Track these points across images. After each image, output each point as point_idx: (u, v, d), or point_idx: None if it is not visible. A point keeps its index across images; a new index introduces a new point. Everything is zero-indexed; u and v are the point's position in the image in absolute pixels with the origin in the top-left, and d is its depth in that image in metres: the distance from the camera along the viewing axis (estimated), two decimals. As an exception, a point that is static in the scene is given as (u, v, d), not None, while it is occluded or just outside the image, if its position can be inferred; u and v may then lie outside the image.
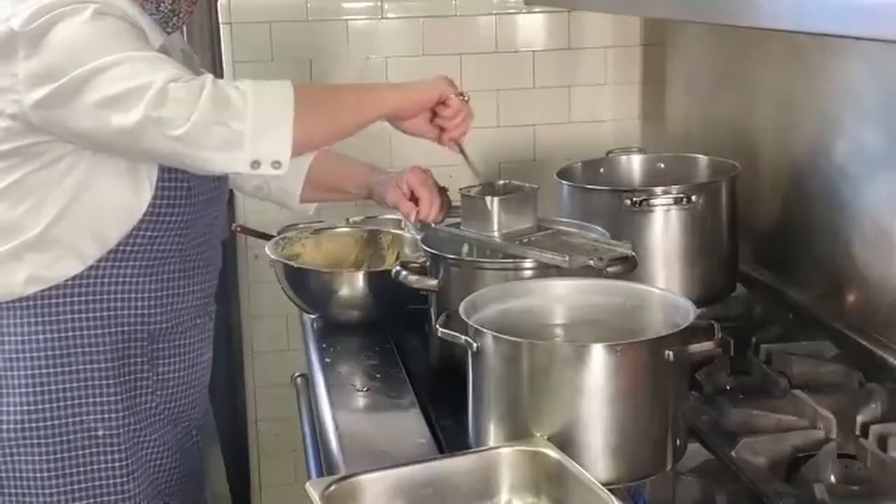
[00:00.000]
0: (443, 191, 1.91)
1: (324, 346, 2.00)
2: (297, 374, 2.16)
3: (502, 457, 1.38)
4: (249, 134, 1.55)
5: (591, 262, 1.64)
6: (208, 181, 1.77)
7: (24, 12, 1.58)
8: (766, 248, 2.26)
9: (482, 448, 1.43)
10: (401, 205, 1.91)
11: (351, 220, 2.30)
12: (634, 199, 1.97)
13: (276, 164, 1.57)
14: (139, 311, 1.75)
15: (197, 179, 1.73)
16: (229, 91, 1.56)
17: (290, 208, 2.12)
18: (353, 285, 2.05)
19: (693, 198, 1.98)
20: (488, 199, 1.78)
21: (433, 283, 1.79)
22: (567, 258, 1.65)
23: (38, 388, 1.70)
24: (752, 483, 1.49)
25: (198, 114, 1.52)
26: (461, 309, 1.50)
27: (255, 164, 1.56)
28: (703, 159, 2.23)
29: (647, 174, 2.29)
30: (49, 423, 1.71)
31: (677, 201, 1.98)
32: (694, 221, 2.00)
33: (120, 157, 1.65)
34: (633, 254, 1.71)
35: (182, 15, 1.75)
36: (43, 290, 1.69)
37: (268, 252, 2.14)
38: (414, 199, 1.89)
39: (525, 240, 1.75)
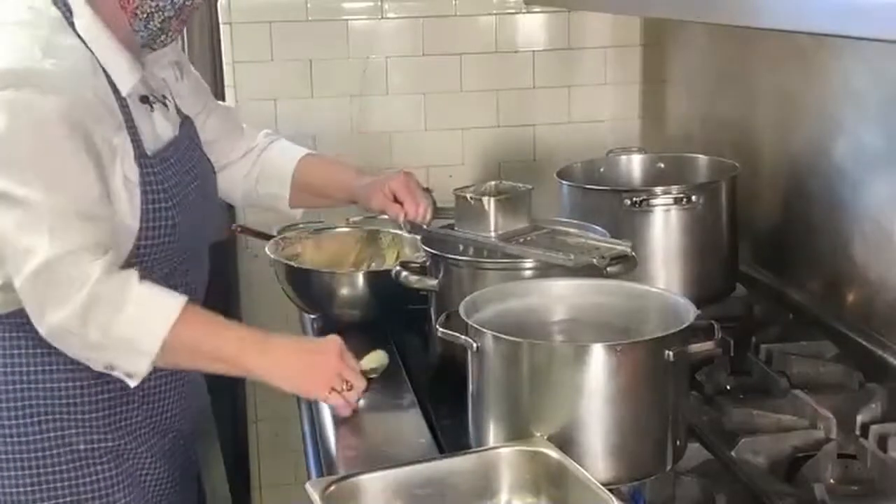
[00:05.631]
0: (427, 192, 1.92)
1: (324, 346, 2.00)
2: (296, 374, 2.16)
3: (502, 457, 1.38)
4: (112, 348, 1.58)
5: (594, 260, 1.65)
6: (194, 214, 1.75)
7: None
8: (766, 248, 2.26)
9: (482, 448, 1.43)
10: (388, 209, 1.91)
11: (351, 220, 2.30)
12: (634, 199, 1.97)
13: (130, 375, 1.61)
14: None
15: (182, 216, 1.70)
16: (110, 299, 1.55)
17: (279, 212, 2.11)
18: (353, 285, 2.05)
19: (693, 198, 1.98)
20: (486, 199, 1.77)
21: (433, 283, 1.79)
22: (572, 257, 1.65)
23: (18, 404, 1.68)
24: (752, 483, 1.49)
25: (66, 314, 1.54)
26: (461, 309, 1.50)
27: (109, 367, 1.61)
28: (703, 159, 2.23)
29: (647, 174, 2.29)
30: (30, 438, 1.69)
31: (677, 201, 1.98)
32: (694, 221, 2.00)
33: None
34: (633, 253, 1.71)
35: (171, 33, 1.70)
36: (23, 307, 1.64)
37: (268, 252, 2.14)
38: (398, 202, 1.89)
39: (521, 240, 1.75)
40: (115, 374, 1.61)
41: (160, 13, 1.66)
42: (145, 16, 1.65)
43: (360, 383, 1.66)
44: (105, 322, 1.55)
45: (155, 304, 1.59)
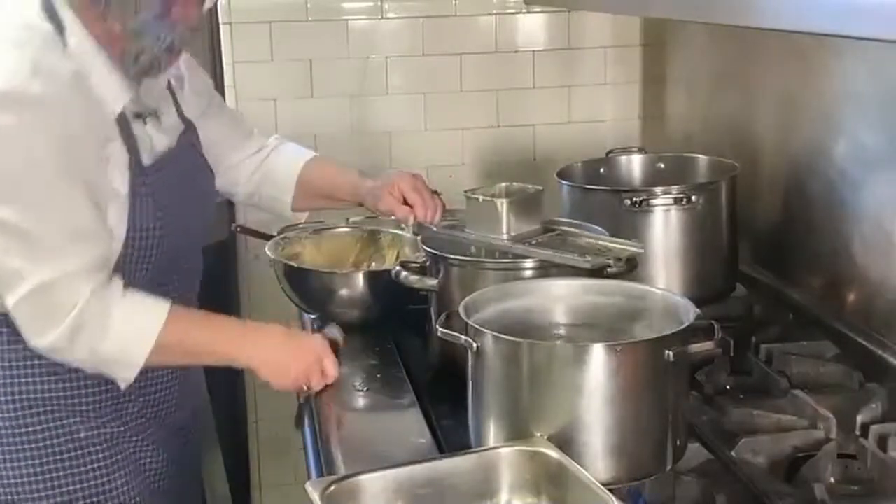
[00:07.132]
0: (435, 194, 1.92)
1: (324, 345, 2.00)
2: (297, 374, 2.16)
3: (502, 457, 1.38)
4: (102, 364, 1.65)
5: (610, 262, 1.65)
6: (187, 222, 1.77)
7: None
8: (766, 248, 2.26)
9: (482, 448, 1.43)
10: (397, 211, 1.92)
11: (351, 220, 2.30)
12: (634, 199, 1.97)
13: (120, 380, 1.68)
14: None
15: (171, 226, 1.71)
16: (96, 322, 1.59)
17: (282, 216, 2.13)
18: (353, 285, 2.05)
19: (693, 198, 1.98)
20: (499, 201, 1.77)
21: (433, 283, 1.79)
22: (588, 259, 1.65)
23: (18, 396, 1.69)
24: (752, 483, 1.49)
25: (55, 337, 1.59)
26: (461, 309, 1.50)
27: (100, 374, 1.68)
28: (703, 159, 2.23)
29: (647, 174, 2.29)
30: (31, 428, 1.70)
31: (677, 201, 1.98)
32: (694, 221, 2.00)
33: None
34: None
35: (164, 65, 1.69)
36: None
37: (268, 252, 2.14)
38: (408, 204, 1.90)
39: (534, 241, 1.75)
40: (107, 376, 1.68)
41: (148, 52, 1.65)
42: (133, 55, 1.65)
43: (334, 374, 1.76)
44: (92, 344, 1.61)
45: (138, 321, 1.64)
